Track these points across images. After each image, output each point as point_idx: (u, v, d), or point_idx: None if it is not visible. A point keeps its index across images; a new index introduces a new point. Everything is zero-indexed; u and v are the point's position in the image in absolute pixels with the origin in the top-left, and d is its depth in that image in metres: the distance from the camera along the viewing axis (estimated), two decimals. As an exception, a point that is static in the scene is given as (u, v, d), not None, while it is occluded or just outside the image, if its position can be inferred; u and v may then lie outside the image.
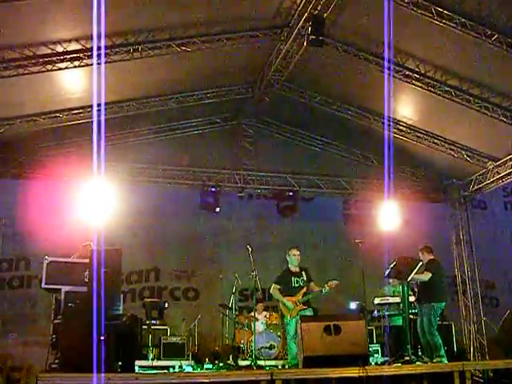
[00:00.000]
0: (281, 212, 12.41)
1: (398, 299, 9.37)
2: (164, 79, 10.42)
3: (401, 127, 11.25)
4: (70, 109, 10.17)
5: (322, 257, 12.10)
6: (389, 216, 11.66)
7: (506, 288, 13.43)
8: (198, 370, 9.02)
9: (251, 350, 9.19)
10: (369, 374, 6.19)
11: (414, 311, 8.66)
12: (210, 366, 9.21)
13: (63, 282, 7.03)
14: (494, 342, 10.81)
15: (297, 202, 12.33)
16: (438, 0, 8.02)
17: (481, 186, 12.09)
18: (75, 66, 8.75)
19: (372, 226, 11.72)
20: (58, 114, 10.17)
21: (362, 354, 6.57)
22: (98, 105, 9.38)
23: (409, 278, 7.79)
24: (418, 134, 11.31)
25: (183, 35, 8.93)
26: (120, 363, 6.18)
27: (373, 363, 8.27)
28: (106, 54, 8.53)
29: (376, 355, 9.87)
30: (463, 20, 8.06)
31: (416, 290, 8.36)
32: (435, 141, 11.32)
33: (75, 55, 8.61)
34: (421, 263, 7.92)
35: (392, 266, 7.94)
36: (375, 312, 10.13)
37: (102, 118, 9.27)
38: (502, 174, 11.31)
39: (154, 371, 8.12)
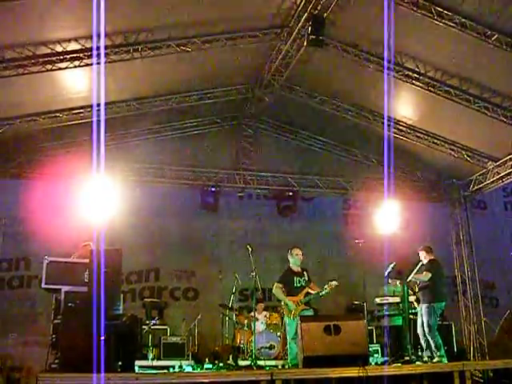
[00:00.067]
0: (281, 212, 12.43)
1: (397, 299, 9.38)
2: (164, 79, 10.42)
3: (401, 127, 11.25)
4: (70, 108, 10.17)
5: (321, 257, 12.09)
6: (389, 216, 11.66)
7: (505, 288, 13.41)
8: (198, 370, 9.01)
9: (251, 350, 9.18)
10: (369, 374, 6.20)
11: (413, 311, 8.66)
12: (210, 366, 9.20)
13: (63, 281, 7.03)
14: (493, 342, 10.81)
15: (296, 202, 12.34)
16: (438, 0, 8.03)
17: (481, 186, 12.09)
18: (75, 66, 8.76)
19: (372, 227, 11.71)
20: (58, 114, 10.17)
21: (361, 354, 6.58)
22: (98, 104, 9.39)
23: (409, 278, 7.80)
24: (418, 134, 11.32)
25: (183, 35, 8.93)
26: (120, 363, 6.19)
27: (373, 363, 8.27)
28: (105, 54, 8.54)
29: (376, 355, 9.87)
30: (463, 20, 8.07)
31: (416, 290, 8.36)
32: (435, 141, 11.33)
33: (75, 55, 8.61)
34: (421, 263, 7.93)
35: (392, 266, 7.95)
36: (375, 312, 10.13)
37: (102, 117, 9.27)
38: (502, 174, 11.30)
39: (154, 371, 8.11)
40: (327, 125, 12.04)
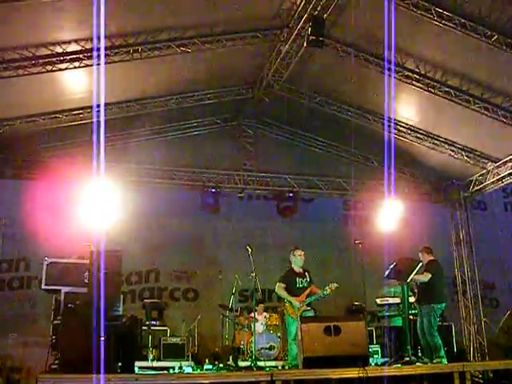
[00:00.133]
0: (281, 213, 12.42)
1: (397, 300, 9.37)
2: (164, 80, 10.42)
3: (401, 128, 11.25)
4: (70, 109, 10.19)
5: (322, 258, 12.08)
6: (389, 217, 11.66)
7: (505, 289, 13.41)
8: (198, 370, 9.02)
9: (251, 351, 9.18)
10: (369, 374, 6.20)
11: (413, 312, 8.65)
12: (210, 366, 9.22)
13: (63, 282, 7.05)
14: (493, 343, 10.80)
15: (297, 202, 12.34)
16: (438, 1, 8.03)
17: (481, 186, 12.09)
18: (75, 67, 8.76)
19: (372, 227, 11.71)
20: (58, 115, 10.18)
21: (361, 355, 6.58)
22: (98, 105, 9.40)
23: (409, 279, 7.79)
24: (418, 135, 11.31)
25: (183, 36, 8.93)
26: (120, 364, 6.19)
27: (373, 364, 8.28)
28: (105, 55, 8.54)
29: (376, 356, 9.87)
30: (463, 21, 8.07)
31: (416, 290, 8.36)
32: (435, 141, 11.33)
33: (75, 56, 8.62)
34: (421, 264, 7.92)
35: (392, 266, 7.95)
36: (375, 312, 10.12)
37: (102, 118, 9.27)
38: (502, 175, 11.30)
39: (154, 372, 8.11)
40: (327, 126, 12.03)
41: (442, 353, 7.69)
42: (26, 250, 11.22)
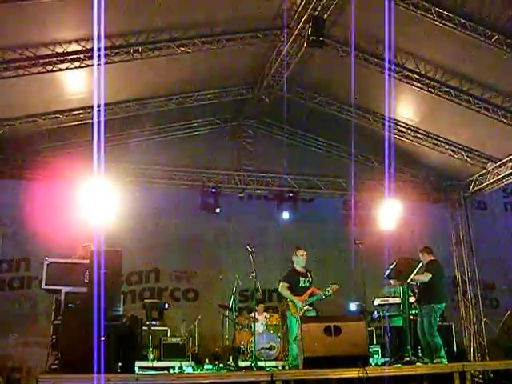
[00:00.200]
0: (280, 213, 12.41)
1: (398, 300, 9.36)
2: (164, 80, 10.43)
3: (401, 128, 11.26)
4: (70, 110, 10.19)
5: (322, 258, 12.07)
6: (389, 217, 11.66)
7: (506, 289, 13.41)
8: (198, 370, 9.02)
9: (251, 351, 9.18)
10: (369, 374, 6.20)
11: (414, 312, 8.65)
12: (210, 366, 9.21)
13: (63, 282, 7.04)
14: (494, 343, 10.80)
15: (297, 202, 12.34)
16: (438, 1, 8.03)
17: (481, 186, 12.10)
18: (75, 67, 8.77)
19: (372, 227, 11.71)
20: (58, 115, 10.18)
21: (362, 355, 6.58)
22: (98, 106, 9.39)
23: (409, 279, 7.78)
24: (418, 135, 11.32)
25: (183, 36, 8.95)
26: (120, 364, 6.19)
27: (373, 364, 8.27)
28: (106, 55, 8.55)
29: (376, 356, 9.85)
30: (463, 21, 8.07)
31: (416, 290, 8.35)
32: (435, 142, 11.33)
33: (75, 56, 8.63)
34: (421, 264, 7.92)
35: (392, 266, 7.94)
36: (375, 313, 10.12)
37: (102, 118, 9.27)
38: (502, 175, 11.31)
39: (154, 372, 8.11)
40: (327, 125, 12.04)
41: (443, 353, 7.68)
42: (27, 249, 11.22)
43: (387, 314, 9.56)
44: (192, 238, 12.22)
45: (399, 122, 11.17)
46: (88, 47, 8.49)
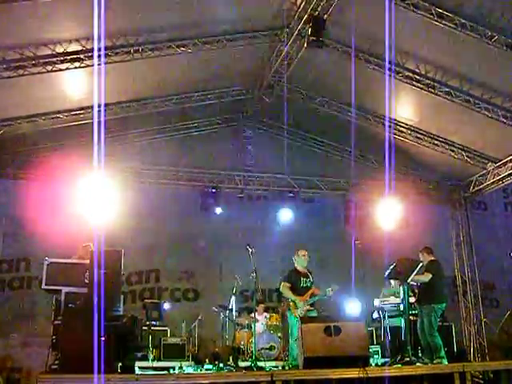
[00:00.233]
0: (280, 213, 12.41)
1: (398, 300, 9.36)
2: (164, 80, 10.42)
3: (401, 128, 11.26)
4: (70, 110, 10.19)
5: (322, 258, 12.05)
6: (389, 217, 11.65)
7: (506, 289, 13.41)
8: (198, 371, 9.01)
9: (251, 351, 9.17)
10: (369, 375, 6.19)
11: (414, 312, 8.64)
12: (210, 366, 9.20)
13: (63, 282, 7.03)
14: (494, 343, 10.81)
15: (297, 203, 12.34)
16: (438, 1, 8.03)
17: (481, 187, 12.09)
18: (76, 67, 8.77)
19: (372, 227, 11.70)
20: (58, 115, 10.18)
21: (362, 355, 6.57)
22: (99, 105, 9.39)
23: (409, 279, 7.77)
24: (419, 135, 11.32)
25: (183, 36, 8.94)
26: (120, 364, 6.19)
27: (373, 364, 8.26)
28: (106, 55, 8.55)
29: (376, 356, 9.84)
30: (463, 21, 8.08)
31: (416, 291, 8.35)
32: (435, 142, 11.33)
33: (75, 56, 8.63)
34: (421, 264, 7.91)
35: (392, 266, 7.93)
36: (375, 313, 10.11)
37: (102, 118, 9.27)
38: (502, 175, 11.30)
39: (154, 372, 8.11)
40: (327, 126, 12.04)
41: (443, 353, 7.68)
42: (27, 250, 11.21)
43: (387, 314, 9.55)
44: (192, 238, 12.21)
45: (399, 122, 11.17)
46: (88, 47, 8.49)
